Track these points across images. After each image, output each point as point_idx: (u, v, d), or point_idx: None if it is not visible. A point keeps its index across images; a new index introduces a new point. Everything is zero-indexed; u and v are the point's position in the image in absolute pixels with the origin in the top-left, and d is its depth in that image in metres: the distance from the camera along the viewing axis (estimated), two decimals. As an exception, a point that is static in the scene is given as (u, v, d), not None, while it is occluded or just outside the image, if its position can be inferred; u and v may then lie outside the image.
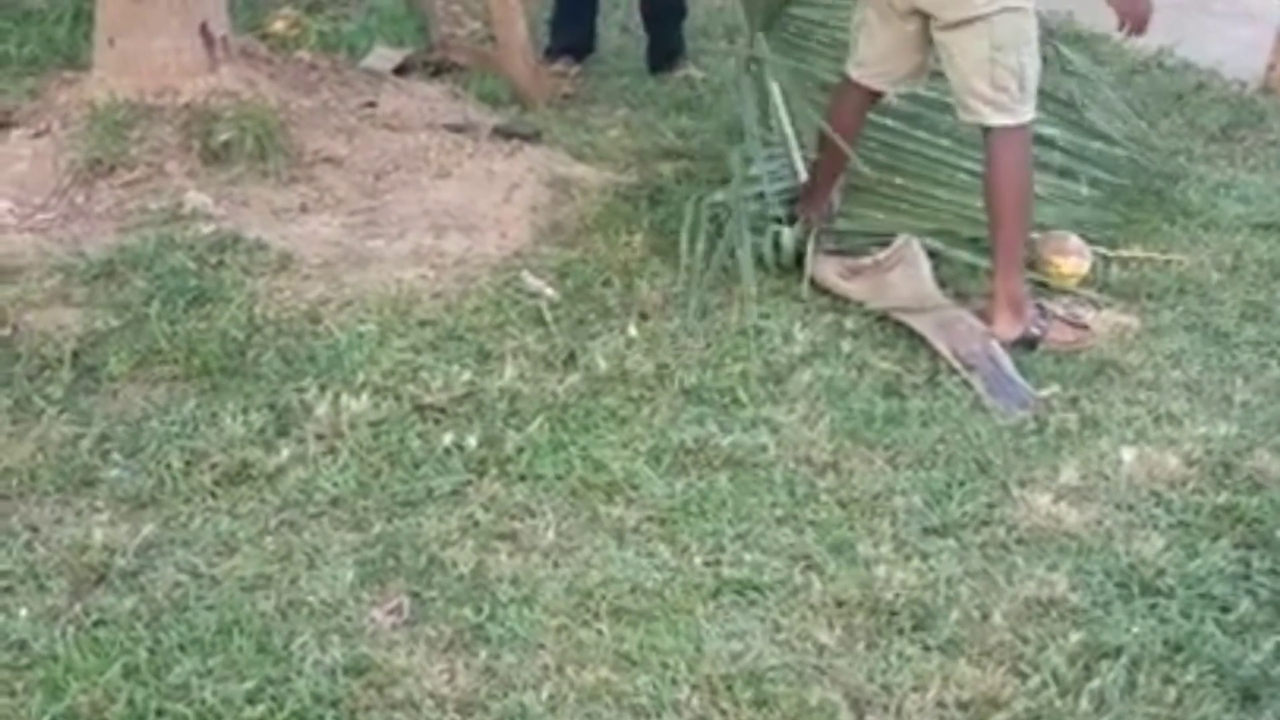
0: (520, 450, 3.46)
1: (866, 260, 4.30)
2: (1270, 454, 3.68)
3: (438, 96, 5.20)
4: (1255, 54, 6.15)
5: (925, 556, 3.25)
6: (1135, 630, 3.08)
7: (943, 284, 4.26)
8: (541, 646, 2.93)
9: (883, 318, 4.09)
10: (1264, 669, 3.00)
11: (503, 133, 4.87)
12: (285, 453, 3.41)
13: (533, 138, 4.89)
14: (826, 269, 4.27)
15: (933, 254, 4.30)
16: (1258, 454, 3.67)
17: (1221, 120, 5.73)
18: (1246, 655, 3.03)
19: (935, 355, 3.96)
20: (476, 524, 3.25)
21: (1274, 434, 3.76)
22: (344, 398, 3.58)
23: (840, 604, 3.09)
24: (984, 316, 4.05)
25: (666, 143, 5.06)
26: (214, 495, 3.29)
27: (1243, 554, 3.33)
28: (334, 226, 4.37)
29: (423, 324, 3.92)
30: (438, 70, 5.48)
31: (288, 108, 4.72)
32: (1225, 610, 3.16)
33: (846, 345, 3.97)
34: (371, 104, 5.01)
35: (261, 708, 2.74)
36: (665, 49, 5.76)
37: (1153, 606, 3.16)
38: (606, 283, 4.15)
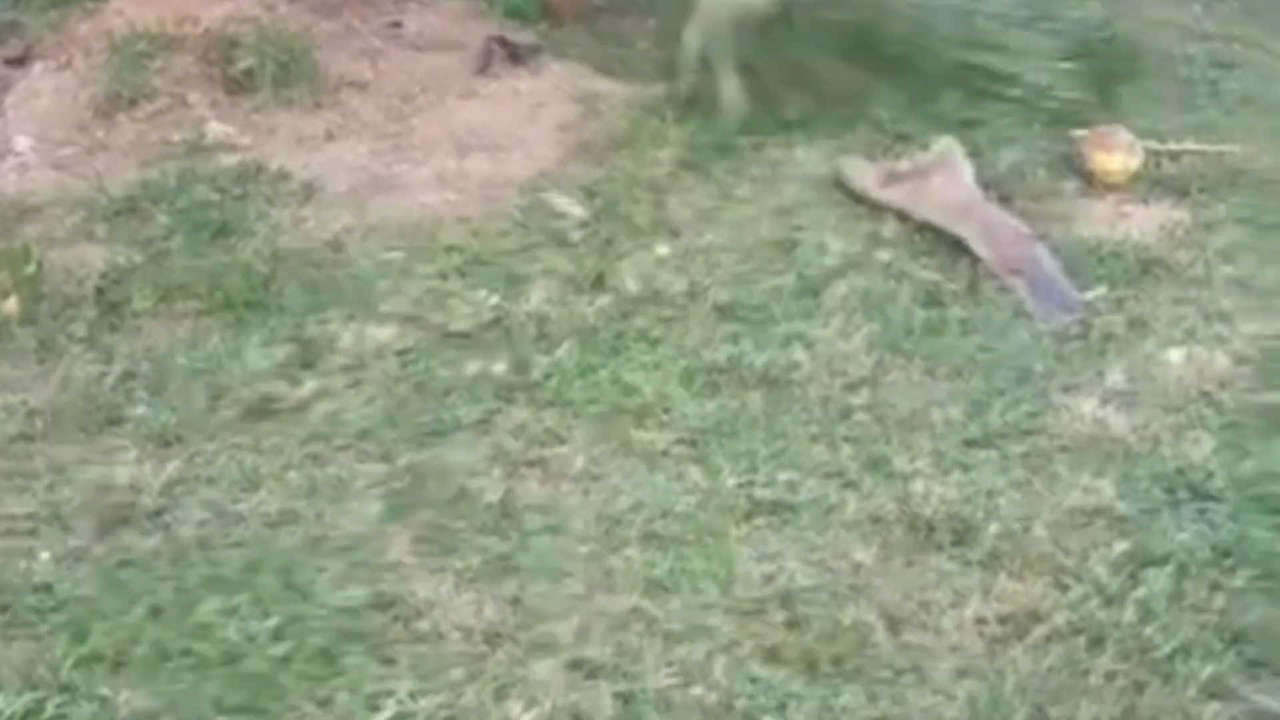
0: (549, 376, 3.40)
1: (903, 165, 4.18)
2: (1325, 350, 3.55)
3: (464, 14, 5.09)
4: (1313, -66, 5.90)
5: (965, 469, 3.17)
6: (1182, 536, 2.99)
7: (985, 187, 4.13)
8: (570, 575, 2.88)
9: (922, 225, 3.97)
10: (1318, 572, 2.90)
11: (500, 45, 4.74)
12: (310, 385, 3.37)
13: (532, 52, 4.73)
14: (862, 175, 4.15)
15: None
16: (1311, 350, 3.55)
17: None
18: (1297, 558, 2.93)
19: (976, 262, 3.85)
20: (504, 452, 3.19)
21: (1328, 328, 3.63)
22: (369, 328, 3.53)
23: (876, 521, 3.02)
24: None
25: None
26: (239, 431, 3.25)
27: (1296, 454, 3.22)
28: (360, 153, 4.31)
29: (449, 250, 3.85)
30: (464, -15, 5.37)
31: (310, 32, 4.66)
32: (1276, 512, 3.06)
33: (884, 255, 3.87)
34: (397, 24, 4.92)
35: (286, 645, 2.71)
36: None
37: (1201, 511, 3.07)
38: (635, 200, 4.06)
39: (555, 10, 5.18)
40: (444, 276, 3.75)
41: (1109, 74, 4.81)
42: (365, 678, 2.65)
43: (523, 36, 4.85)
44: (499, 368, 3.43)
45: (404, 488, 3.10)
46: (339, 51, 4.68)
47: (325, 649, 2.71)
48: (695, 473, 3.14)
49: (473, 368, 3.43)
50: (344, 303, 3.64)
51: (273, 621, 2.75)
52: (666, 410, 3.32)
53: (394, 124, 4.47)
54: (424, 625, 2.77)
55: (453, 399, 3.35)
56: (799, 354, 3.49)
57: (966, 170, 4.15)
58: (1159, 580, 2.87)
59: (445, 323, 3.58)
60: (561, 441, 3.23)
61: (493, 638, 2.74)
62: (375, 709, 2.60)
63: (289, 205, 4.03)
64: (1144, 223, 4.11)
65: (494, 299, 3.65)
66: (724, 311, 3.65)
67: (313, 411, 3.30)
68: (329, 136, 4.39)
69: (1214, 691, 2.65)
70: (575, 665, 2.69)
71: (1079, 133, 4.36)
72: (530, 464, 3.17)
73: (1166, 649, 2.73)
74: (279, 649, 2.70)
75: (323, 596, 2.82)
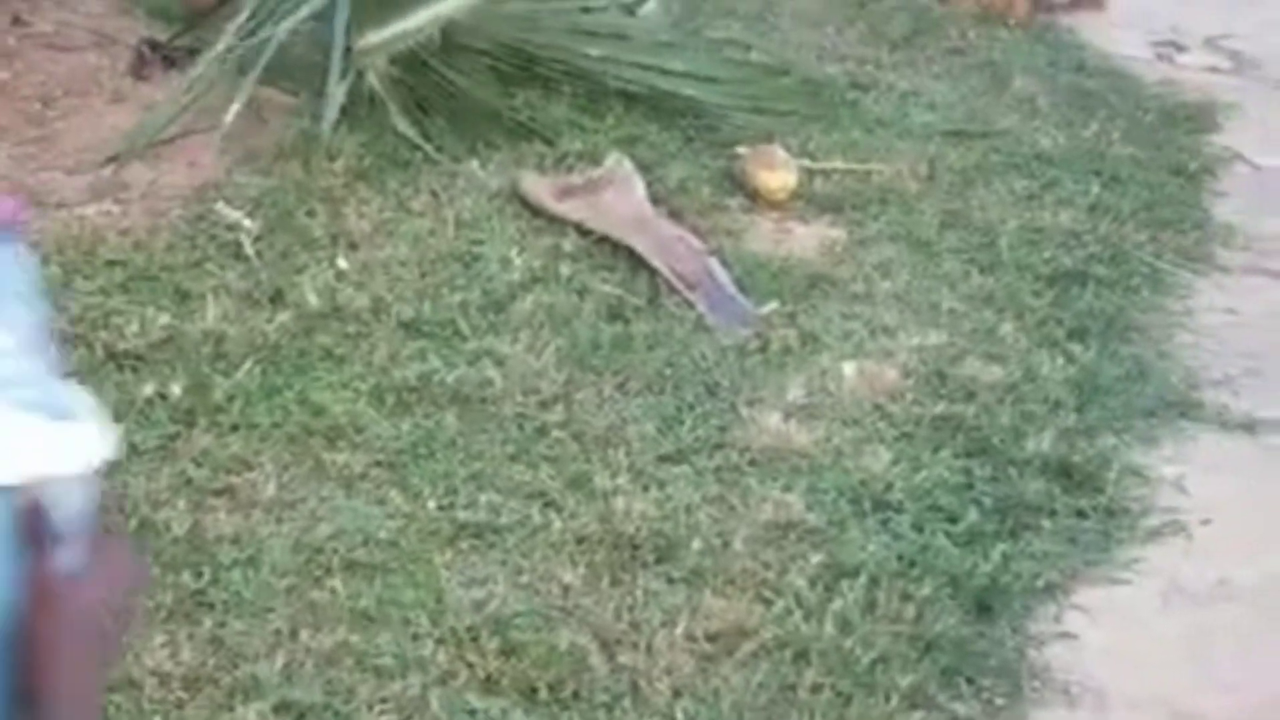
0: (231, 398, 3.25)
1: (577, 179, 4.19)
2: (980, 361, 3.75)
3: (104, 11, 4.79)
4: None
5: (662, 485, 3.19)
6: (871, 548, 3.10)
7: (656, 201, 4.19)
8: (271, 610, 2.75)
9: (601, 239, 3.99)
10: (994, 578, 3.06)
11: (152, 48, 4.50)
12: (-36, 413, 3.10)
13: (189, 55, 4.50)
14: (538, 188, 4.14)
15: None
16: (968, 362, 3.75)
17: (904, 28, 5.78)
18: (977, 565, 3.08)
19: (654, 275, 3.89)
20: (189, 481, 3.03)
21: (981, 341, 3.84)
22: (26, 348, 3.27)
23: (581, 541, 3.01)
24: None
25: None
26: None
27: (964, 463, 3.39)
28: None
29: (111, 264, 3.62)
30: (102, -19, 5.05)
31: (-72, 29, 4.29)
32: (953, 521, 3.21)
33: (566, 269, 3.86)
34: (21, 20, 4.59)
35: (-41, 703, 2.48)
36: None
37: (885, 522, 3.18)
38: (310, 212, 3.91)
39: (198, 8, 4.93)
40: (107, 293, 3.52)
41: (757, 93, 4.96)
42: (53, 734, 2.45)
43: (177, 39, 4.60)
44: (175, 390, 3.24)
45: (80, 522, 2.89)
46: (-35, 51, 4.34)
47: (3, 705, 2.49)
48: (395, 496, 3.05)
49: (146, 390, 3.23)
50: (-4, 322, 3.36)
51: (-59, 678, 2.51)
52: (359, 431, 3.21)
53: (35, 129, 4.16)
54: (114, 672, 2.57)
55: (127, 424, 3.14)
56: (490, 371, 3.44)
57: (638, 185, 4.19)
58: (853, 592, 2.96)
59: (112, 342, 3.36)
60: (250, 467, 3.09)
61: (191, 682, 2.60)
62: (67, 768, 2.41)
63: (-79, 217, 3.69)
64: (805, 239, 4.24)
65: (164, 317, 3.45)
66: (409, 328, 3.56)
67: (-33, 442, 3.04)
68: (-39, 142, 4.06)
69: (915, 701, 2.75)
70: (283, 708, 2.57)
71: (742, 150, 4.47)
72: (218, 492, 3.02)
73: (866, 660, 2.81)
74: (-50, 709, 2.47)
75: (-4, 647, 2.59)
